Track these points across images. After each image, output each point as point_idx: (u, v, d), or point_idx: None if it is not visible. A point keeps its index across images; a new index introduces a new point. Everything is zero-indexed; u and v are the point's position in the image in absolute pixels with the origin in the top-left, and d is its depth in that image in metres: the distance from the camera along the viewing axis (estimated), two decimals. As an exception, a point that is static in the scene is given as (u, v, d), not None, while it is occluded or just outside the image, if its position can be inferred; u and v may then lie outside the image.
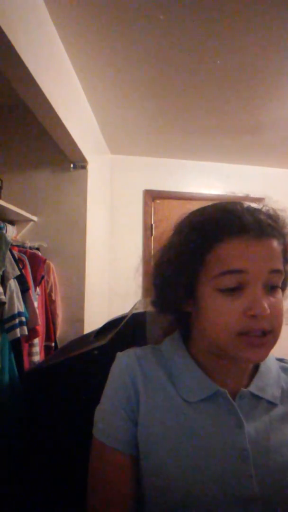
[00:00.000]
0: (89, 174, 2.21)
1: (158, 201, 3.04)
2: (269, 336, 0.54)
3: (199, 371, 0.60)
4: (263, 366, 0.63)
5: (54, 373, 0.89)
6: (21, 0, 1.21)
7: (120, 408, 0.59)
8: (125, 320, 0.90)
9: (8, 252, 1.60)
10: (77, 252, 2.15)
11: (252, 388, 0.59)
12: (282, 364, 0.67)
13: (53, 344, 1.97)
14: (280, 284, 0.56)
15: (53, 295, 2.07)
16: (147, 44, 1.60)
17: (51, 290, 2.06)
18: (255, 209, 0.58)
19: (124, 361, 0.63)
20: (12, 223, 2.04)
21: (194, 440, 0.55)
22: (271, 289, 0.55)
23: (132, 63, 1.74)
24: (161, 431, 0.56)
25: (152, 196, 3.02)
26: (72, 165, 2.18)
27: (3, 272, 1.55)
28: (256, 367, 0.63)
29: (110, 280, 2.89)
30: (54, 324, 2.03)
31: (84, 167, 2.19)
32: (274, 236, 0.55)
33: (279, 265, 0.55)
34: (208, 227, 0.56)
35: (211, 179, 3.09)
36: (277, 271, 0.55)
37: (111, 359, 0.69)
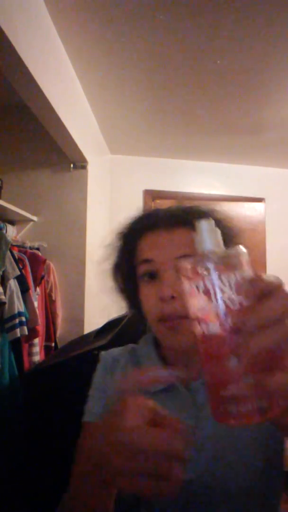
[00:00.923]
0: (89, 174, 2.21)
1: (158, 201, 3.04)
2: (186, 320, 0.54)
3: (159, 363, 0.64)
4: None
5: (54, 373, 0.89)
6: (21, 0, 1.21)
7: (97, 389, 0.66)
8: (125, 320, 0.91)
9: (8, 252, 1.60)
10: (77, 252, 2.15)
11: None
12: None
13: (53, 344, 1.97)
14: None
15: (53, 295, 2.07)
16: (147, 44, 1.60)
17: (51, 290, 2.06)
18: (168, 207, 0.67)
19: (102, 356, 0.70)
20: (12, 223, 2.04)
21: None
22: None
23: (132, 63, 1.74)
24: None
25: (152, 196, 3.02)
26: (72, 165, 2.18)
27: (3, 272, 1.55)
28: None
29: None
30: (54, 324, 2.03)
31: (84, 167, 2.19)
32: (185, 225, 0.60)
33: (187, 251, 0.58)
34: (133, 228, 0.67)
35: (211, 179, 3.09)
36: (183, 257, 0.56)
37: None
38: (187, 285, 0.35)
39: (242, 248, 0.35)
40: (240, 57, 1.67)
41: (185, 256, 0.58)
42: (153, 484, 0.32)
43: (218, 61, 1.70)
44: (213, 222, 0.36)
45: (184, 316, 0.55)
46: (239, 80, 1.87)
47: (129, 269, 0.65)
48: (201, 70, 1.79)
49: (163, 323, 0.57)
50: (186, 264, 0.35)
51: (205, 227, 0.36)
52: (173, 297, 0.55)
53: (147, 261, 0.60)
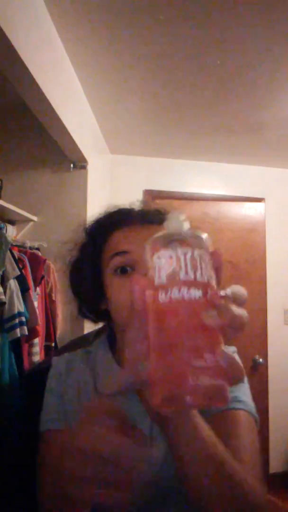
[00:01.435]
0: (89, 174, 2.20)
1: (158, 201, 3.04)
2: None
3: (116, 366, 0.64)
4: None
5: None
6: (21, 0, 1.21)
7: (53, 396, 0.65)
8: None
9: (8, 252, 1.60)
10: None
11: None
12: None
13: (53, 344, 1.97)
14: None
15: (53, 295, 2.06)
16: (147, 44, 1.60)
17: (51, 290, 2.06)
18: (141, 207, 0.68)
19: (54, 362, 0.70)
20: (12, 223, 2.04)
21: None
22: None
23: (132, 63, 1.74)
24: (74, 420, 0.60)
25: (152, 196, 3.02)
26: (72, 165, 2.18)
27: (3, 272, 1.55)
28: None
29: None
30: (54, 324, 2.03)
31: (84, 167, 2.19)
32: (160, 224, 0.60)
33: None
34: (103, 223, 0.67)
35: (211, 179, 3.09)
36: None
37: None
38: (155, 258, 0.36)
39: (206, 235, 0.37)
40: (240, 57, 1.67)
41: None
42: (106, 493, 0.31)
43: (218, 61, 1.70)
44: (184, 215, 0.38)
45: None
46: (239, 80, 1.87)
47: (94, 265, 0.64)
48: (201, 70, 1.79)
49: None
50: (156, 238, 0.37)
51: (176, 215, 0.38)
52: None
53: (122, 253, 0.60)
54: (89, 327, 2.35)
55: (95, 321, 0.73)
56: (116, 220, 0.65)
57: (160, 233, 0.37)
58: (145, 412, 0.57)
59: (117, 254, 0.60)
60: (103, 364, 0.66)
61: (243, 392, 0.61)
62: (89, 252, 0.66)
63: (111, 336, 0.72)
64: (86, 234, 0.69)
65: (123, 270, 0.59)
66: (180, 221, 0.38)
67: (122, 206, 0.69)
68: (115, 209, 0.69)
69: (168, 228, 0.38)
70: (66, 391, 0.65)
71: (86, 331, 2.08)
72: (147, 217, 0.64)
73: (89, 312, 0.71)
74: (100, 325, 0.98)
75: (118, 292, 0.59)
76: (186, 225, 0.38)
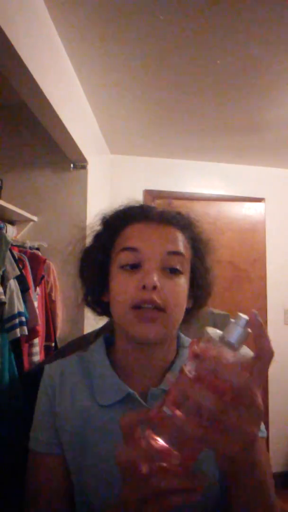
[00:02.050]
0: (89, 174, 2.20)
1: (158, 201, 3.04)
2: (161, 313, 0.56)
3: (113, 374, 0.61)
4: (178, 362, 0.64)
5: (54, 373, 0.88)
6: (21, 0, 1.21)
7: (44, 414, 0.62)
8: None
9: (8, 252, 1.60)
10: (77, 252, 2.14)
11: (164, 385, 0.59)
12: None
13: (53, 344, 1.97)
14: (180, 268, 0.59)
15: (53, 295, 2.06)
16: (147, 44, 1.60)
17: (51, 290, 2.06)
18: (162, 207, 0.67)
19: (47, 371, 0.67)
20: (12, 223, 2.04)
21: (107, 443, 0.57)
22: (170, 271, 0.58)
23: (132, 63, 1.74)
24: (71, 435, 0.59)
25: (152, 196, 3.02)
26: (72, 165, 2.17)
27: (3, 272, 1.55)
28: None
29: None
30: (54, 324, 2.03)
31: (84, 167, 2.18)
32: (176, 226, 0.62)
33: (177, 248, 0.60)
34: (121, 214, 0.65)
35: (211, 179, 3.09)
36: (174, 253, 0.59)
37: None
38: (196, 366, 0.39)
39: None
40: (240, 57, 1.67)
41: (173, 253, 0.59)
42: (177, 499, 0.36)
43: (218, 61, 1.70)
44: (246, 321, 0.40)
45: (161, 308, 0.56)
46: (239, 80, 1.87)
47: (104, 254, 0.64)
48: (201, 70, 1.79)
49: (137, 310, 0.56)
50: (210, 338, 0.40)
51: (243, 322, 0.40)
52: (155, 288, 0.55)
53: (132, 249, 0.59)
54: (89, 327, 2.35)
55: (97, 313, 0.71)
56: (134, 214, 0.64)
57: (216, 334, 0.40)
58: (144, 408, 0.55)
59: (126, 249, 0.59)
60: (100, 374, 0.63)
61: None
62: (102, 241, 0.65)
63: (109, 339, 0.70)
64: (102, 223, 0.68)
65: (131, 266, 0.58)
66: (242, 334, 0.39)
67: (138, 203, 0.68)
68: (135, 204, 0.67)
69: (226, 335, 0.39)
70: (59, 404, 0.62)
71: (86, 331, 2.08)
72: (166, 216, 0.63)
73: (93, 302, 0.69)
74: (100, 325, 0.98)
75: (120, 287, 0.59)
76: (246, 336, 0.40)
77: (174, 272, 0.59)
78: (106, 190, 2.89)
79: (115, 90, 2.00)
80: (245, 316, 0.40)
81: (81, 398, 0.61)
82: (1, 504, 1.18)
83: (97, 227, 0.68)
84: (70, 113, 1.77)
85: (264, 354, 0.42)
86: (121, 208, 0.67)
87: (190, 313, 0.66)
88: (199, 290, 0.65)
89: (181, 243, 0.61)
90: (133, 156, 3.01)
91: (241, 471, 0.43)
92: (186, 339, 0.68)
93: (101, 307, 0.68)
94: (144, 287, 0.55)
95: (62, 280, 2.13)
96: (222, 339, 0.40)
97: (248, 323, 0.40)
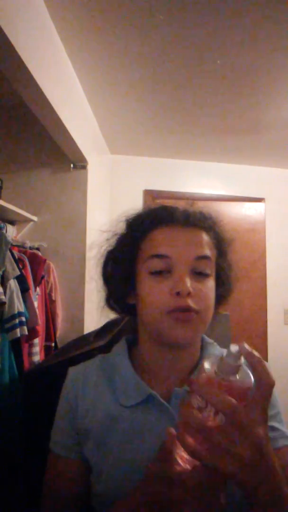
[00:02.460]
0: (89, 174, 2.20)
1: (158, 201, 3.04)
2: (195, 314, 0.57)
3: (135, 375, 0.62)
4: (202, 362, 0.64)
5: (54, 373, 0.89)
6: (21, 0, 1.21)
7: (63, 419, 0.64)
8: (125, 320, 0.90)
9: (8, 252, 1.60)
10: (77, 252, 2.15)
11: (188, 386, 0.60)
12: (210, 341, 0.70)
13: (53, 344, 1.97)
14: (208, 272, 0.60)
15: (53, 295, 2.07)
16: (147, 44, 1.60)
17: (51, 290, 2.06)
18: (186, 208, 0.66)
19: (70, 375, 0.68)
20: (12, 223, 2.04)
21: (132, 443, 0.57)
22: (199, 275, 0.59)
23: (132, 63, 1.74)
24: (95, 437, 0.60)
25: (152, 196, 3.02)
26: (72, 165, 2.18)
27: (3, 272, 1.55)
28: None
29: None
30: (54, 324, 2.03)
31: (84, 167, 2.18)
32: (202, 228, 0.63)
33: (205, 252, 0.61)
34: (145, 218, 0.65)
35: (211, 179, 3.09)
36: (203, 258, 0.60)
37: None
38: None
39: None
40: (240, 57, 1.67)
41: (202, 257, 0.60)
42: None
43: (218, 61, 1.70)
44: (236, 353, 0.44)
45: (197, 311, 0.57)
46: (239, 80, 1.87)
47: (129, 258, 0.64)
48: (201, 70, 1.79)
49: (173, 314, 0.56)
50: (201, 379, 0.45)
51: (231, 357, 0.44)
52: (189, 294, 0.56)
53: (162, 256, 0.59)
54: (89, 327, 2.36)
55: (119, 313, 0.71)
56: (159, 217, 0.63)
57: (212, 367, 0.45)
58: (171, 415, 0.57)
59: (156, 256, 0.60)
60: (123, 375, 0.64)
61: (283, 424, 0.62)
62: (126, 245, 0.65)
63: (130, 340, 0.71)
64: (126, 226, 0.68)
65: (160, 272, 0.59)
66: (237, 358, 0.43)
67: (163, 206, 0.68)
68: (159, 206, 0.67)
69: (223, 371, 0.44)
70: (82, 405, 0.63)
71: (86, 331, 2.08)
72: (190, 219, 0.63)
73: (116, 304, 0.69)
74: (100, 325, 0.98)
75: (151, 293, 0.59)
76: (237, 367, 0.44)
77: (203, 275, 0.60)
78: (106, 190, 2.89)
79: (115, 90, 2.00)
80: (234, 348, 0.44)
81: (104, 399, 0.62)
82: (1, 502, 1.18)
83: (120, 231, 0.68)
84: (70, 113, 1.77)
85: (261, 384, 0.44)
86: (145, 210, 0.67)
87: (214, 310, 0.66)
88: (223, 289, 0.66)
89: (207, 246, 0.62)
90: (133, 156, 3.01)
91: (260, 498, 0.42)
92: (208, 340, 0.69)
93: (124, 308, 0.69)
94: (178, 293, 0.56)
95: (62, 280, 2.13)
96: (216, 372, 0.44)
97: (238, 355, 0.43)
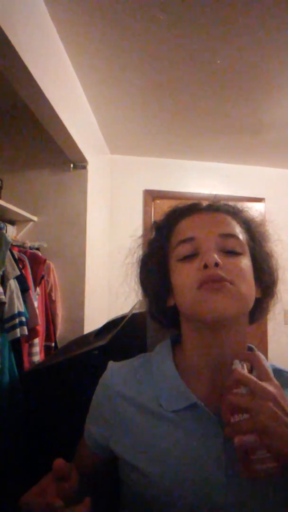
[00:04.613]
0: (89, 174, 2.21)
1: (158, 201, 3.04)
2: (229, 284, 0.54)
3: (179, 381, 0.59)
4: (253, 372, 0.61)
5: (54, 373, 0.89)
6: (21, 0, 1.21)
7: (98, 415, 0.64)
8: (125, 320, 0.90)
9: (8, 252, 1.60)
10: (77, 252, 2.15)
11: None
12: (277, 367, 0.66)
13: (53, 344, 1.97)
14: (239, 250, 0.59)
15: (53, 295, 2.07)
16: (147, 44, 1.60)
17: (51, 290, 2.06)
18: (210, 200, 0.68)
19: (109, 372, 0.66)
20: (12, 223, 2.04)
21: (173, 449, 0.55)
22: (229, 253, 0.58)
23: (132, 63, 1.74)
24: (133, 440, 0.58)
25: (152, 196, 3.02)
26: (72, 165, 2.18)
27: (3, 272, 1.55)
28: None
29: (110, 279, 2.89)
30: (54, 324, 2.03)
31: (84, 167, 2.19)
32: (227, 212, 0.64)
33: (230, 230, 0.60)
34: (171, 214, 0.66)
35: (211, 179, 3.09)
36: (229, 235, 0.59)
37: (111, 359, 0.69)
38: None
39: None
40: (240, 57, 1.67)
41: (227, 235, 0.59)
42: None
43: (219, 61, 1.70)
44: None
45: (230, 281, 0.54)
46: (239, 80, 1.87)
47: (160, 256, 0.64)
48: (201, 70, 1.79)
49: (204, 286, 0.54)
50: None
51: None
52: (217, 264, 0.54)
53: (188, 240, 0.59)
54: (89, 327, 2.36)
55: (164, 324, 0.68)
56: (184, 209, 0.65)
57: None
58: (220, 433, 0.54)
59: (183, 241, 0.59)
60: (166, 378, 0.61)
61: None
62: (156, 245, 0.65)
63: (173, 340, 0.68)
64: (154, 229, 0.68)
65: (188, 256, 0.58)
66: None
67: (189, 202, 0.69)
68: (183, 203, 0.68)
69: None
70: (122, 403, 0.61)
71: (86, 331, 2.08)
72: (214, 205, 0.64)
73: (158, 311, 0.67)
74: (100, 325, 0.98)
75: (182, 276, 0.58)
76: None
77: (234, 253, 0.58)
78: (106, 190, 2.89)
79: (115, 90, 2.00)
80: (237, 364, 0.52)
81: (148, 403, 0.60)
82: (1, 501, 1.18)
83: (151, 235, 0.69)
84: (70, 113, 1.77)
85: (256, 392, 0.48)
86: (170, 209, 0.68)
87: (260, 305, 0.65)
88: (264, 275, 0.63)
89: (233, 225, 0.61)
90: (133, 156, 3.01)
91: None
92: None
93: (168, 316, 0.66)
94: (205, 266, 0.54)
95: (62, 280, 2.13)
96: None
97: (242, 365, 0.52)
